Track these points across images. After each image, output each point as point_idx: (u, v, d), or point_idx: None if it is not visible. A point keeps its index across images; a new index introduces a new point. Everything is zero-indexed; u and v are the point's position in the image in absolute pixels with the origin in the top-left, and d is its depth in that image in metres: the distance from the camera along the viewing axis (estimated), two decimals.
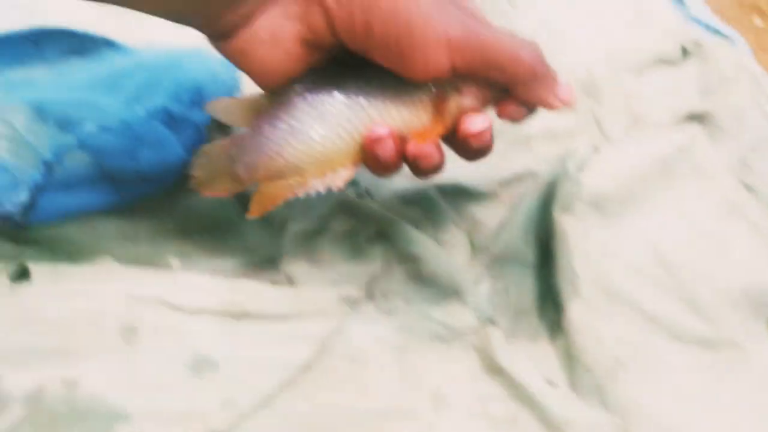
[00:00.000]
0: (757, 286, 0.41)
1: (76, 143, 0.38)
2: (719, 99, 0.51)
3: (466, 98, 0.34)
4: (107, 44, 0.47)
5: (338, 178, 0.33)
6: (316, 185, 0.33)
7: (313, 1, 0.30)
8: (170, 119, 0.38)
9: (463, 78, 0.33)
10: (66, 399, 0.32)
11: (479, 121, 0.33)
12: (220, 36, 0.32)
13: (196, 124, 0.40)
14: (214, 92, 0.41)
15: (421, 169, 0.34)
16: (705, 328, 0.40)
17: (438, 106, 0.33)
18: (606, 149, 0.51)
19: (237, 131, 0.34)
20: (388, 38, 0.30)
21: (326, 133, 0.32)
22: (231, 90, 0.42)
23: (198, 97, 0.39)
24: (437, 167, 0.35)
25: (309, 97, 0.32)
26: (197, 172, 0.34)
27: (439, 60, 0.31)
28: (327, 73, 0.33)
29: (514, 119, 0.35)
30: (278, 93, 0.33)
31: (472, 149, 0.34)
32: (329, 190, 0.33)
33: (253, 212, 0.33)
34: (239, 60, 0.32)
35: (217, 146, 0.34)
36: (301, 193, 0.33)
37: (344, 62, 0.32)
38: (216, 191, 0.34)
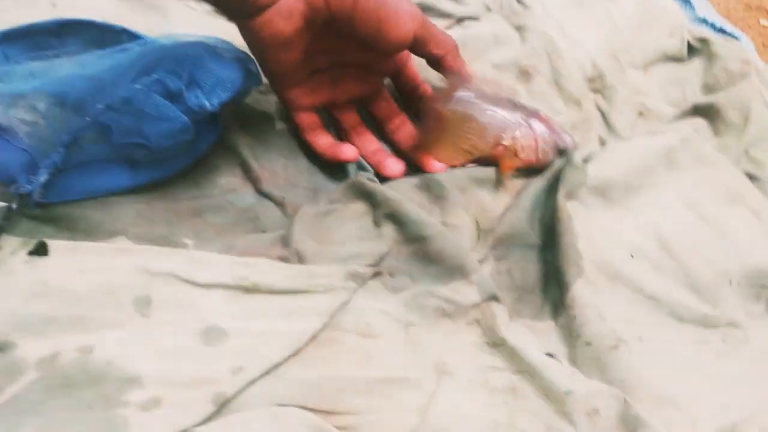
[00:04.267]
0: (756, 267, 0.42)
1: (89, 124, 0.39)
2: (724, 93, 0.52)
3: None
4: (127, 35, 0.49)
5: None
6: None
7: None
8: (168, 94, 0.39)
9: None
10: (80, 364, 0.33)
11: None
12: (248, 15, 0.40)
13: (199, 103, 0.40)
14: (219, 76, 0.42)
15: None
16: (705, 308, 0.41)
17: None
18: (612, 141, 0.52)
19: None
20: (369, 12, 0.40)
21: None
22: (238, 77, 0.43)
23: (203, 76, 0.40)
24: None
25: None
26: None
27: (407, 29, 0.41)
28: None
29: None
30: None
31: None
32: None
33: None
34: (262, 30, 0.40)
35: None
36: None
37: None
38: None
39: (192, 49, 0.40)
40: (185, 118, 0.39)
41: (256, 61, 0.44)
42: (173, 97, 0.40)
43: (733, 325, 0.41)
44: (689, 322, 0.41)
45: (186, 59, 0.39)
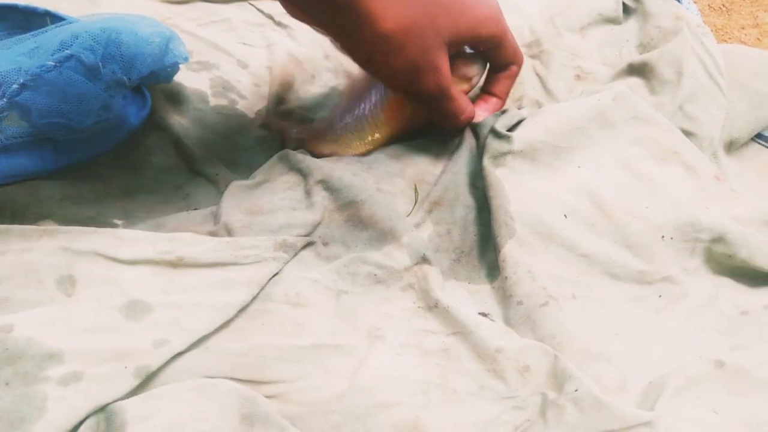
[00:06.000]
0: (688, 221, 0.41)
1: (7, 105, 0.39)
2: (658, 51, 0.52)
3: None
4: (52, 17, 0.48)
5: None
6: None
7: None
8: (86, 71, 0.39)
9: None
10: None
11: None
12: None
13: (117, 78, 0.40)
14: (137, 50, 0.41)
15: None
16: (639, 264, 0.41)
17: None
18: (547, 105, 0.52)
19: None
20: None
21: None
22: (159, 51, 0.42)
23: (120, 51, 0.39)
24: None
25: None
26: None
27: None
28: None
29: None
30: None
31: None
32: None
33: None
34: None
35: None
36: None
37: None
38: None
39: (109, 24, 0.40)
40: (104, 94, 0.39)
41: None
42: (91, 73, 0.39)
43: (669, 281, 0.41)
44: (624, 280, 0.41)
45: (101, 34, 0.39)
